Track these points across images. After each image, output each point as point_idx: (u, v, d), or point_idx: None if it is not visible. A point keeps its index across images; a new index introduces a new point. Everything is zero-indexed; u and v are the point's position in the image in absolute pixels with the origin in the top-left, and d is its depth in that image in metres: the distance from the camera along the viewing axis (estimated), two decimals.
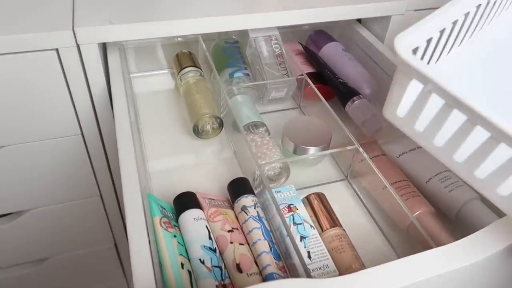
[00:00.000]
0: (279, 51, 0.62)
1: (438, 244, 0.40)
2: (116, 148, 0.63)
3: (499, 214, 0.43)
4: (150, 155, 0.54)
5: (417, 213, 0.44)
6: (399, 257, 0.44)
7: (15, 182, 0.62)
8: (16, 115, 0.55)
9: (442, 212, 0.47)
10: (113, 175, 0.67)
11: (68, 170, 0.64)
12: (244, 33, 0.64)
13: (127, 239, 0.81)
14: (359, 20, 0.71)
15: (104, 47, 0.58)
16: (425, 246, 0.41)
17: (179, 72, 0.62)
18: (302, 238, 0.40)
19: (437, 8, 0.68)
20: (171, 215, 0.43)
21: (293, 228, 0.41)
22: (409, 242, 0.45)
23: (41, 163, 0.61)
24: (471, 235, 0.36)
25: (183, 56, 0.64)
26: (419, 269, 0.33)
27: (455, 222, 0.46)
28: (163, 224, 0.40)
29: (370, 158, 0.51)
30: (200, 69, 0.62)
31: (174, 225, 0.42)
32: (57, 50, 0.50)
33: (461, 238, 0.40)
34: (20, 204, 0.65)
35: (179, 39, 0.71)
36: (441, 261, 0.33)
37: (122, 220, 0.76)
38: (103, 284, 0.86)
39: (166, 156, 0.54)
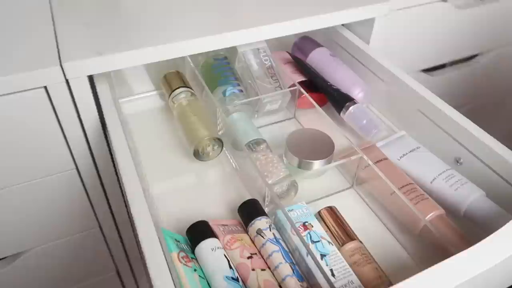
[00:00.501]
0: (269, 63, 0.62)
1: (455, 246, 0.41)
2: (112, 179, 0.62)
3: (507, 209, 0.45)
4: (151, 181, 0.53)
5: (428, 216, 0.44)
6: (416, 263, 0.44)
7: (11, 225, 0.59)
8: (8, 156, 0.52)
9: (450, 211, 0.48)
10: (111, 205, 0.66)
11: (65, 206, 0.61)
12: (231, 48, 0.63)
13: (130, 266, 0.79)
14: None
15: (91, 76, 0.56)
16: (441, 249, 0.42)
17: (170, 94, 0.60)
18: (322, 256, 0.40)
19: (420, 5, 0.70)
20: (186, 247, 0.42)
21: (311, 247, 0.41)
22: (423, 246, 0.45)
23: (37, 202, 0.59)
24: (495, 233, 0.36)
25: (172, 77, 0.63)
26: (449, 276, 0.33)
27: (463, 220, 0.47)
28: (181, 259, 0.40)
29: (374, 163, 0.52)
30: (191, 88, 0.61)
31: (192, 258, 0.41)
32: (45, 87, 0.48)
33: (472, 236, 0.42)
34: (17, 246, 0.63)
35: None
36: (474, 261, 0.34)
37: (123, 247, 0.74)
38: None
39: (167, 181, 0.53)
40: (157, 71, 0.67)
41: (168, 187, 0.53)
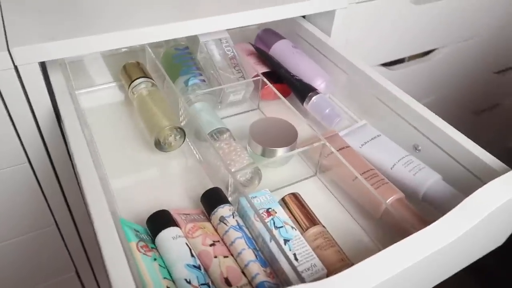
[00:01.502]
0: (232, 54, 0.61)
1: (414, 227, 0.41)
2: (69, 172, 0.59)
3: (461, 191, 0.46)
4: (111, 175, 0.51)
5: (389, 200, 0.45)
6: (377, 246, 0.45)
7: None
8: None
9: (409, 195, 0.49)
10: (68, 201, 0.63)
11: (18, 202, 0.58)
12: (193, 38, 0.62)
13: (91, 266, 0.76)
14: (303, 16, 0.72)
15: (43, 65, 0.53)
16: (400, 231, 0.43)
17: (130, 84, 0.59)
18: (285, 241, 0.40)
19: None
20: (146, 237, 0.41)
21: (275, 232, 0.41)
22: (384, 230, 0.46)
23: None
24: (448, 214, 0.38)
25: (131, 67, 0.61)
26: (407, 254, 0.34)
27: (422, 204, 0.48)
28: (140, 249, 0.38)
29: (337, 151, 0.52)
30: (152, 79, 0.60)
31: (152, 248, 0.40)
32: None
33: (431, 218, 0.43)
34: None
35: (123, 49, 0.67)
36: (431, 240, 0.35)
37: (83, 247, 0.71)
38: None
39: (128, 174, 0.52)
40: (118, 63, 0.65)
41: (129, 180, 0.51)
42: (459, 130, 0.49)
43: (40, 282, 0.71)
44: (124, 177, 0.51)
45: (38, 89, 0.49)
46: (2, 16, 0.51)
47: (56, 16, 0.52)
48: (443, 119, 0.51)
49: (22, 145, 0.53)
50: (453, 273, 0.44)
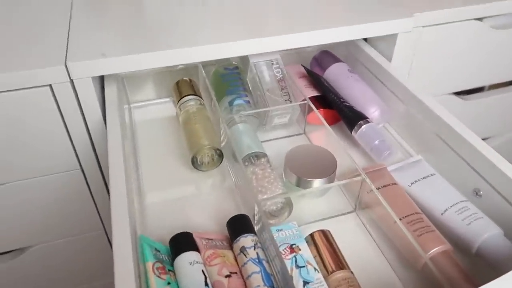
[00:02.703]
0: (281, 76, 0.60)
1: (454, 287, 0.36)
2: None
3: None
4: (148, 189, 0.52)
5: (431, 251, 0.40)
6: None
7: (17, 219, 0.61)
8: (13, 152, 0.54)
9: (460, 247, 0.43)
10: None
11: (69, 205, 0.62)
12: (245, 59, 0.62)
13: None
14: (365, 38, 0.68)
15: (102, 78, 0.56)
16: None
17: (179, 100, 0.60)
18: (305, 283, 0.37)
19: (446, 23, 0.65)
20: (166, 258, 0.41)
21: (295, 272, 0.38)
22: (424, 283, 0.41)
23: (41, 199, 0.60)
24: (499, 278, 0.32)
25: (183, 84, 0.63)
26: None
27: (475, 259, 0.42)
28: (156, 271, 0.38)
29: (379, 188, 0.48)
30: (201, 97, 0.61)
31: (169, 270, 0.39)
32: (50, 86, 0.49)
33: (481, 280, 0.37)
34: (22, 240, 0.64)
35: (180, 66, 0.69)
36: None
37: None
38: None
39: (165, 190, 0.52)
40: (175, 79, 0.67)
41: (166, 195, 0.52)
42: None
43: (86, 283, 0.74)
44: (161, 192, 0.52)
45: (91, 102, 0.52)
46: (69, 30, 0.55)
47: (115, 33, 0.56)
48: None
49: (76, 152, 0.57)
50: None
